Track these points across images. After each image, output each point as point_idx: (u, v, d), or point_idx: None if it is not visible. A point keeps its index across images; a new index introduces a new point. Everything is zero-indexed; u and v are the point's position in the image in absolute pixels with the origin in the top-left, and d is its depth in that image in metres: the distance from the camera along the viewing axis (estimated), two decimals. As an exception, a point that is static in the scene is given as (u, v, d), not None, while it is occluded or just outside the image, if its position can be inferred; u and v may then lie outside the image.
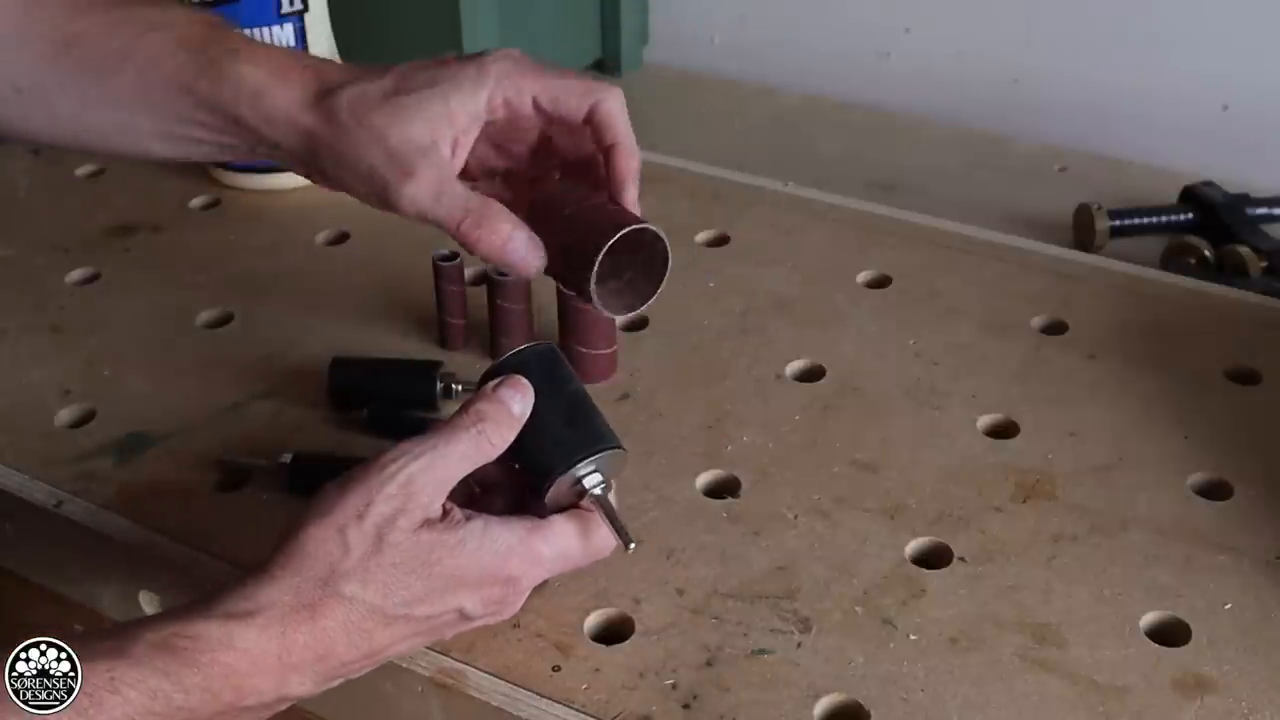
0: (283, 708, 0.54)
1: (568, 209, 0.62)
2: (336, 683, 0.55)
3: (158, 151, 0.68)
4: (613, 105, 0.63)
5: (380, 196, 0.62)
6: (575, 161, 0.66)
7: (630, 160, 0.63)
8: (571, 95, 0.63)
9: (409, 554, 0.54)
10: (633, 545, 0.58)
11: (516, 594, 0.57)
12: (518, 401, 0.58)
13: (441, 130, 0.62)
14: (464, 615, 0.56)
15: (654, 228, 0.61)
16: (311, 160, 0.64)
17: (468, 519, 0.56)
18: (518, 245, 0.61)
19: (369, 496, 0.54)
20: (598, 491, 0.58)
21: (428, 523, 0.55)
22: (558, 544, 0.58)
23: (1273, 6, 1.07)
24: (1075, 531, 0.66)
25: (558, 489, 0.58)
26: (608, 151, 0.63)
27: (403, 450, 0.55)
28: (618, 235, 0.59)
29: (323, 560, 0.53)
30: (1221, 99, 1.12)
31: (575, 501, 0.59)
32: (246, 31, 0.89)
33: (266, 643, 0.51)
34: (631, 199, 0.63)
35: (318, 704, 0.65)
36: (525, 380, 0.58)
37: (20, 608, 0.74)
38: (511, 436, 0.57)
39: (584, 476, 0.58)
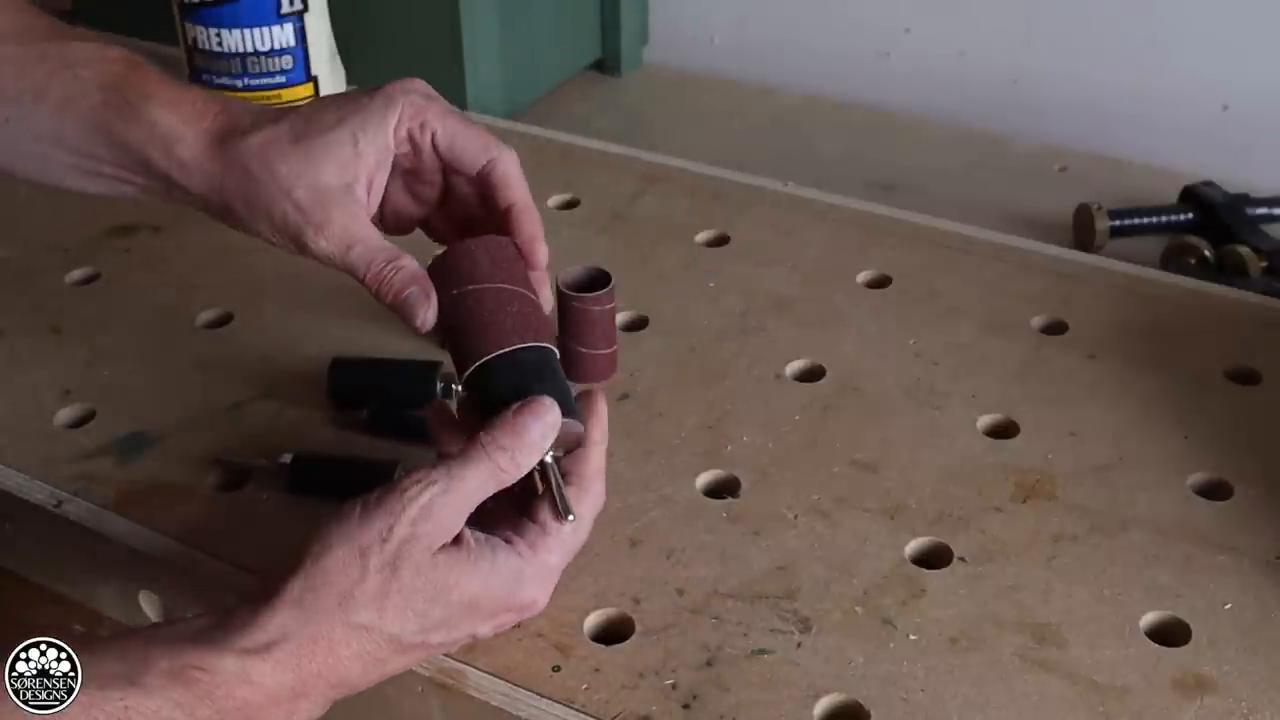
0: None
1: (456, 287, 0.61)
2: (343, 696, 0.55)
3: (76, 186, 0.67)
4: (509, 166, 0.63)
5: (295, 244, 0.62)
6: (477, 217, 0.66)
7: (532, 221, 0.63)
8: (469, 144, 0.63)
9: (427, 580, 0.54)
10: (571, 518, 0.58)
11: (532, 614, 0.59)
12: (537, 429, 0.57)
13: (353, 172, 0.62)
14: (476, 638, 0.58)
15: (532, 345, 0.60)
16: (224, 208, 0.63)
17: (478, 543, 0.56)
18: (410, 302, 0.61)
19: (391, 520, 0.54)
20: (548, 459, 0.58)
21: (444, 548, 0.55)
22: (564, 547, 0.58)
23: (1273, 6, 1.07)
24: (1075, 531, 0.66)
25: None
26: (506, 213, 0.63)
27: (423, 475, 0.55)
28: (475, 365, 0.59)
29: (342, 583, 0.53)
30: (1221, 99, 1.12)
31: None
32: (246, 31, 0.91)
33: (281, 675, 0.51)
34: (540, 260, 0.63)
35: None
36: (547, 401, 0.57)
37: (20, 608, 0.74)
38: (531, 463, 0.57)
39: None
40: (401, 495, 0.54)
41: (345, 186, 0.61)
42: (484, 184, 0.64)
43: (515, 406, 0.57)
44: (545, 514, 0.58)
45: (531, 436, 0.56)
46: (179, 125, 0.63)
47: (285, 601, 0.52)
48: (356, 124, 0.62)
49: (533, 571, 0.57)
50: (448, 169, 0.65)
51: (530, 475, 0.58)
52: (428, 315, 0.61)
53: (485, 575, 0.55)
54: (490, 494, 0.56)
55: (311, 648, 0.52)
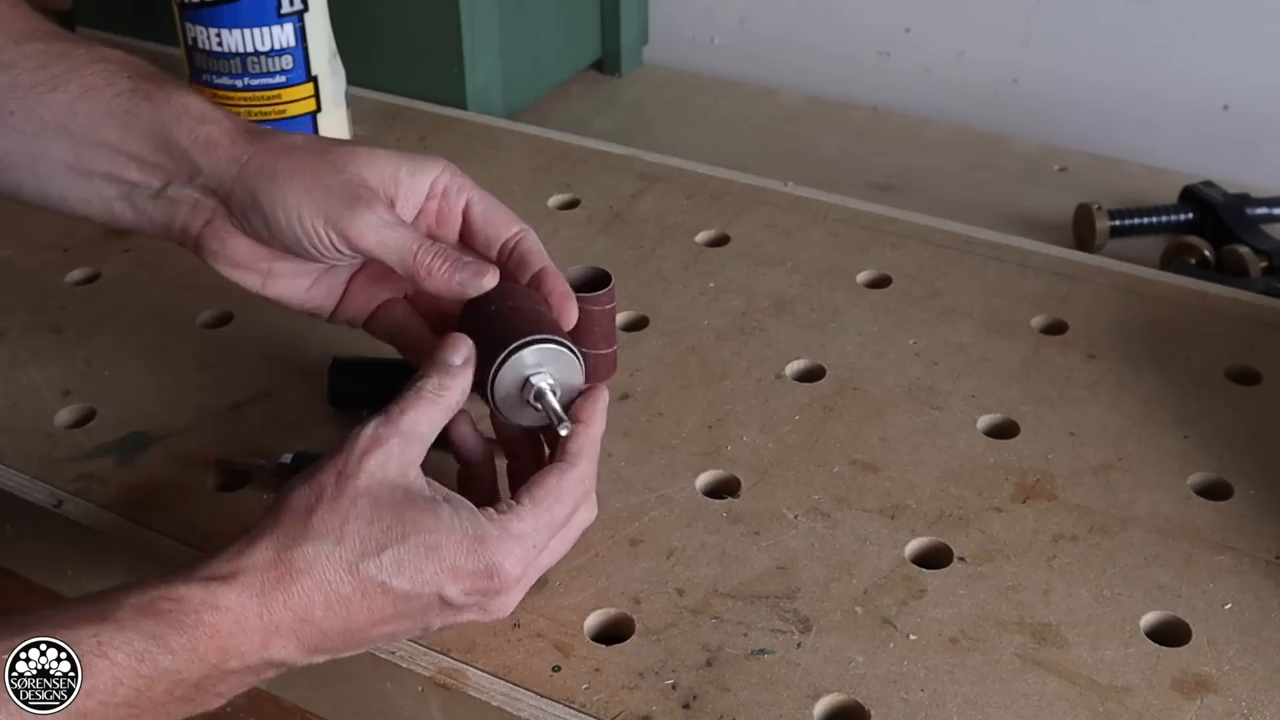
0: (270, 674, 0.54)
1: (493, 305, 0.62)
2: (322, 658, 0.55)
3: (56, 191, 0.66)
4: (535, 241, 0.65)
5: (334, 223, 0.60)
6: (446, 310, 0.66)
7: (563, 283, 0.64)
8: (503, 216, 0.65)
9: (385, 510, 0.54)
10: (566, 428, 0.59)
11: (504, 587, 0.56)
12: (454, 354, 0.59)
13: (390, 190, 0.63)
14: (446, 602, 0.55)
15: (566, 343, 0.61)
16: (233, 192, 0.62)
17: (444, 499, 0.56)
18: (466, 269, 0.61)
19: (345, 456, 0.55)
20: (540, 384, 0.59)
21: (404, 491, 0.55)
22: (537, 517, 0.57)
23: (1273, 6, 1.07)
24: (1075, 531, 0.66)
25: (502, 383, 0.59)
26: (538, 276, 0.64)
27: (370, 417, 0.57)
28: (510, 348, 0.59)
29: (301, 513, 0.54)
30: (1221, 99, 1.12)
31: (529, 411, 0.60)
32: (246, 31, 0.91)
33: (247, 601, 0.52)
34: (571, 318, 0.63)
35: (317, 704, 0.65)
36: (458, 335, 0.60)
37: (20, 608, 0.74)
38: (464, 385, 0.59)
39: (531, 376, 0.59)
40: (352, 436, 0.56)
41: (379, 192, 0.62)
42: (511, 257, 0.64)
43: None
44: (524, 489, 0.58)
45: (451, 362, 0.59)
46: (213, 110, 0.64)
47: (251, 536, 0.54)
48: (402, 159, 0.64)
49: (499, 534, 0.55)
50: (465, 243, 0.65)
51: (518, 444, 0.60)
52: (488, 279, 0.62)
53: (446, 521, 0.55)
54: (438, 424, 0.58)
55: (274, 573, 0.53)
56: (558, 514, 0.58)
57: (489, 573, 0.55)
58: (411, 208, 0.64)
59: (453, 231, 0.65)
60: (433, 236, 0.64)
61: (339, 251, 0.61)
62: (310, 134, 0.64)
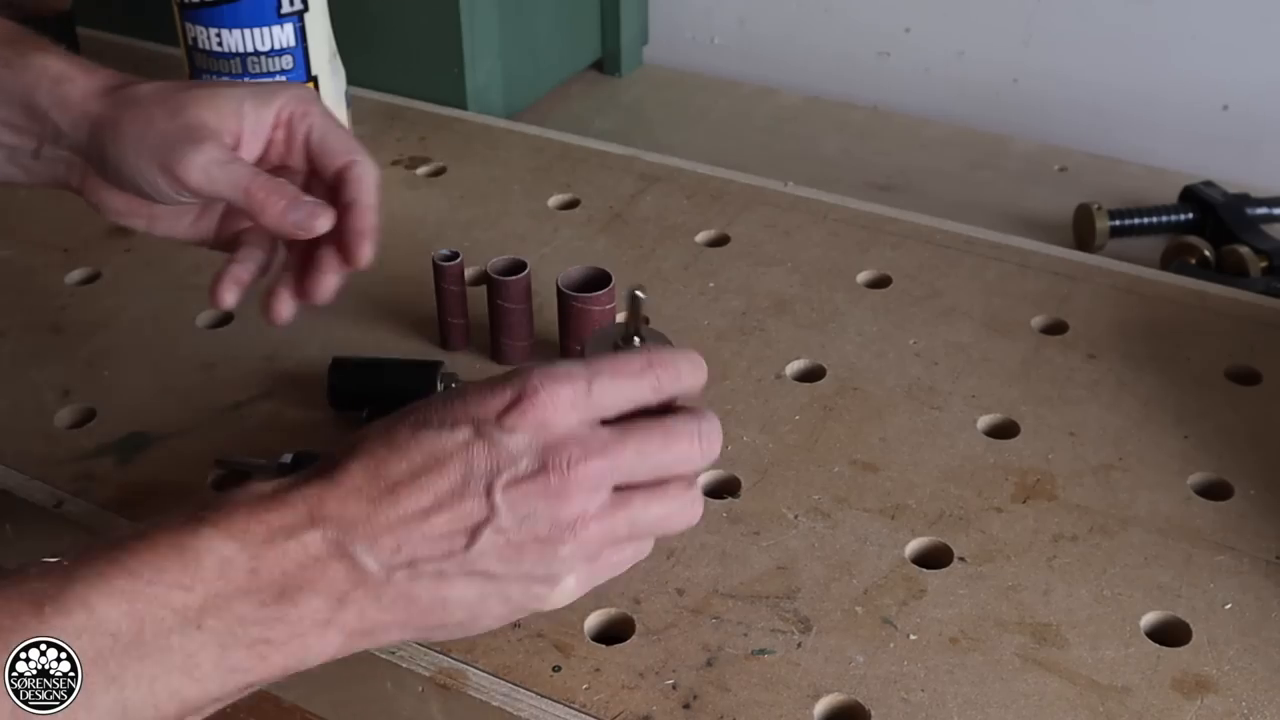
0: (344, 578, 0.50)
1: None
2: (393, 515, 0.51)
3: None
4: (367, 171, 0.65)
5: (165, 167, 0.61)
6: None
7: (366, 219, 0.64)
8: (338, 142, 0.65)
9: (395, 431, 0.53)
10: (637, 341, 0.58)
11: (538, 404, 0.51)
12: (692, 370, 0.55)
13: (231, 126, 0.64)
14: (484, 434, 0.51)
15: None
16: (92, 147, 0.63)
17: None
18: (300, 209, 0.62)
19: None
20: (639, 294, 0.57)
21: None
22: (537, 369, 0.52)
23: (1273, 6, 1.07)
24: (1075, 531, 0.66)
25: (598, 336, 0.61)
26: (347, 208, 0.64)
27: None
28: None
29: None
30: (1221, 99, 1.12)
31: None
32: (246, 31, 0.90)
33: (293, 502, 0.51)
34: (360, 257, 0.64)
35: (317, 704, 0.65)
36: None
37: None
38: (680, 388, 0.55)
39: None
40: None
41: (219, 131, 0.63)
42: (339, 184, 0.65)
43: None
44: None
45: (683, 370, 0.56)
46: (70, 69, 0.65)
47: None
48: (248, 92, 0.64)
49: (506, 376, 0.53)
50: (312, 170, 0.66)
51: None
52: (321, 221, 0.62)
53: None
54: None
55: (316, 477, 0.51)
56: (609, 362, 0.53)
57: (519, 390, 0.52)
58: (260, 141, 0.65)
59: (301, 161, 0.66)
60: (284, 167, 0.66)
61: (177, 193, 0.62)
62: (163, 81, 0.64)
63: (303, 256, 0.67)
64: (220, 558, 0.49)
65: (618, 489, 0.53)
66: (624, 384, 0.53)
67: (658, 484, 0.54)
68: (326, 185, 0.66)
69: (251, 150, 0.65)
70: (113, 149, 0.63)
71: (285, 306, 0.67)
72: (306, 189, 0.65)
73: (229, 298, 0.66)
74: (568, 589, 0.54)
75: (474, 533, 0.51)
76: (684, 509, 0.55)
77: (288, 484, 0.52)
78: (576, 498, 0.51)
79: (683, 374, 0.55)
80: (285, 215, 0.62)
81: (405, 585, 0.51)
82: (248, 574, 0.49)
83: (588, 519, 0.52)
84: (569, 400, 0.52)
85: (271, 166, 0.66)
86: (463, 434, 0.51)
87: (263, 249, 0.68)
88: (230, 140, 0.64)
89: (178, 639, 0.47)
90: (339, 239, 0.64)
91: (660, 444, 0.53)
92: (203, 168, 0.61)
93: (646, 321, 0.59)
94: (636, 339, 0.59)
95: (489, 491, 0.51)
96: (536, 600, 0.54)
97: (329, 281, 0.66)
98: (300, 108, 0.65)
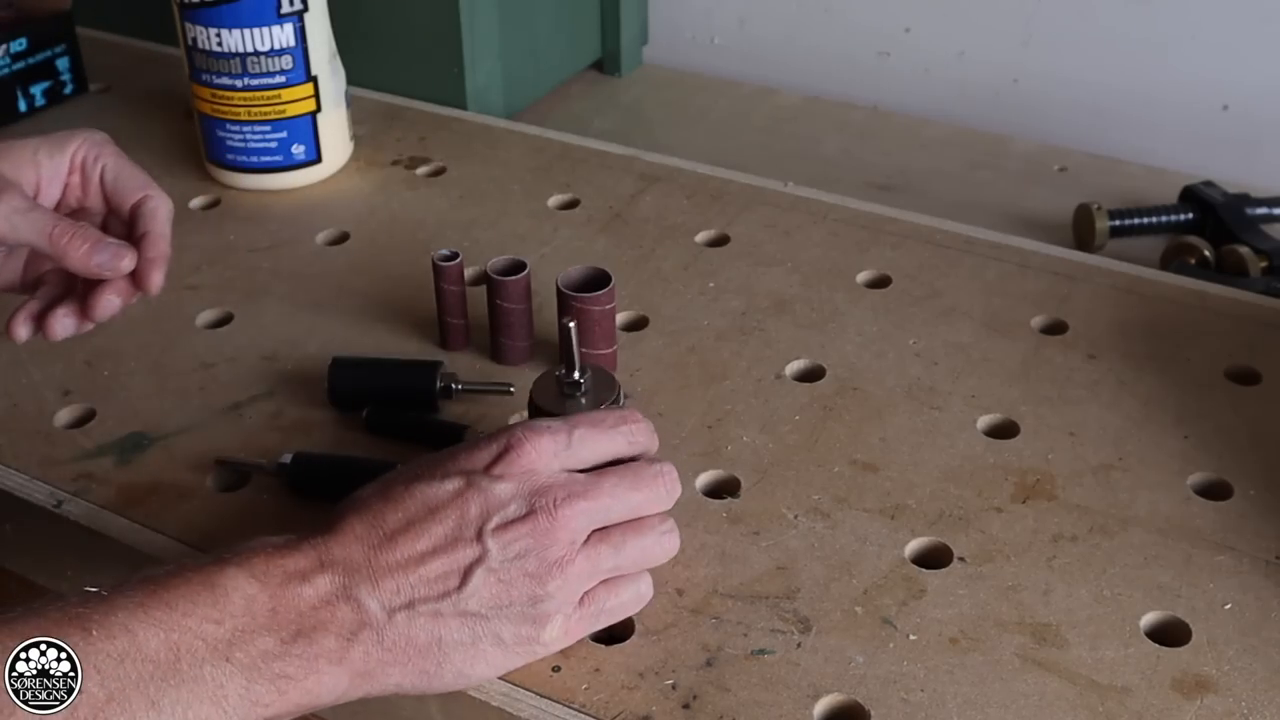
0: (348, 615, 0.54)
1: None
2: (394, 558, 0.55)
3: None
4: (161, 206, 0.68)
5: None
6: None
7: (157, 248, 0.67)
8: (131, 180, 0.68)
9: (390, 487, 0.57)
10: (577, 375, 0.64)
11: (522, 454, 0.57)
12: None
13: (29, 175, 0.67)
14: (474, 484, 0.56)
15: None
16: None
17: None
18: (104, 251, 0.64)
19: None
20: (570, 325, 0.62)
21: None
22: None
23: (1273, 6, 1.07)
24: (1075, 531, 0.66)
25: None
26: (141, 239, 0.67)
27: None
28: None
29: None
30: (1221, 99, 1.12)
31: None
32: (246, 31, 0.90)
33: (301, 555, 0.55)
34: (151, 285, 0.66)
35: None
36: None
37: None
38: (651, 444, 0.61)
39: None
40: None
41: (18, 180, 0.66)
42: (134, 218, 0.68)
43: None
44: None
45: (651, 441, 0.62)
46: None
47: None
48: (40, 143, 0.68)
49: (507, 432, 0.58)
50: (110, 209, 0.69)
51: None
52: (125, 261, 0.65)
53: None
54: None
55: (320, 531, 0.56)
56: (586, 417, 0.60)
57: (504, 444, 0.57)
58: (57, 186, 0.68)
59: (98, 201, 0.69)
60: (83, 209, 0.69)
61: None
62: None
63: (89, 281, 0.69)
64: (245, 595, 0.52)
65: (597, 531, 0.58)
66: (600, 436, 0.59)
67: (633, 522, 0.59)
68: (123, 221, 0.69)
69: (50, 196, 0.68)
70: None
71: (25, 329, 0.68)
72: (104, 227, 0.69)
73: (23, 331, 0.68)
74: (556, 629, 0.57)
75: (467, 573, 0.55)
76: (660, 540, 0.60)
77: (296, 537, 0.55)
78: (563, 535, 0.56)
79: (650, 430, 0.61)
80: (89, 258, 0.64)
81: (405, 626, 0.54)
82: (269, 613, 0.52)
83: (574, 554, 0.56)
84: (551, 450, 0.57)
85: (71, 209, 0.70)
86: (454, 484, 0.56)
87: (61, 286, 0.70)
88: (30, 189, 0.67)
89: (209, 669, 0.50)
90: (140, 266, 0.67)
91: (631, 485, 0.58)
92: (5, 217, 0.64)
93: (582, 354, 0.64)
94: (576, 374, 0.64)
95: (480, 535, 0.55)
96: (528, 641, 0.57)
97: (111, 303, 0.67)
98: (93, 151, 0.69)
